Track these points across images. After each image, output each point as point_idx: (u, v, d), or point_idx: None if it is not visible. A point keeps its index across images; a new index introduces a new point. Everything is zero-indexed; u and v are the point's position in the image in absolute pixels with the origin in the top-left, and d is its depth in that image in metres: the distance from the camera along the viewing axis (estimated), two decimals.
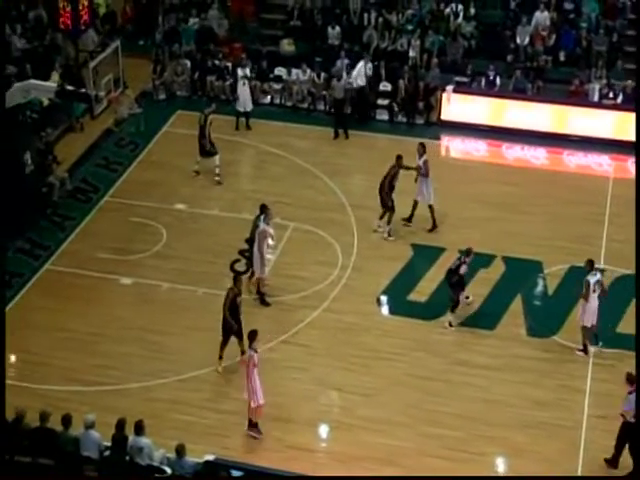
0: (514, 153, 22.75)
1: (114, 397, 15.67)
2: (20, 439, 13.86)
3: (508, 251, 18.95)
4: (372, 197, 20.38)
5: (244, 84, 22.94)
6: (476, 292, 17.90)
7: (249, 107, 23.11)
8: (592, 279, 16.02)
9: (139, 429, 13.76)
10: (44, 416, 13.92)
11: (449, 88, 23.31)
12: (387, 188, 19.09)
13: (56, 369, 16.25)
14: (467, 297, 17.45)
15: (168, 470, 13.71)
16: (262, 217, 17.50)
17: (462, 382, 15.94)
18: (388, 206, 19.25)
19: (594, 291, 16.00)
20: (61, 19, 23.34)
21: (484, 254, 18.58)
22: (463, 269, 16.92)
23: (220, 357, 16.29)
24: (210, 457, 14.26)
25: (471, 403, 15.55)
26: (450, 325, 17.20)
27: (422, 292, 18.08)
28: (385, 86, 24.19)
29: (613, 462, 14.34)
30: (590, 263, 16.22)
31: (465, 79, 23.85)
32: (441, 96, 23.35)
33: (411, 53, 24.55)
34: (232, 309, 16.10)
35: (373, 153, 22.47)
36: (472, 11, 25.07)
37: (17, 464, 13.91)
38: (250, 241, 18.10)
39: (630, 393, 13.89)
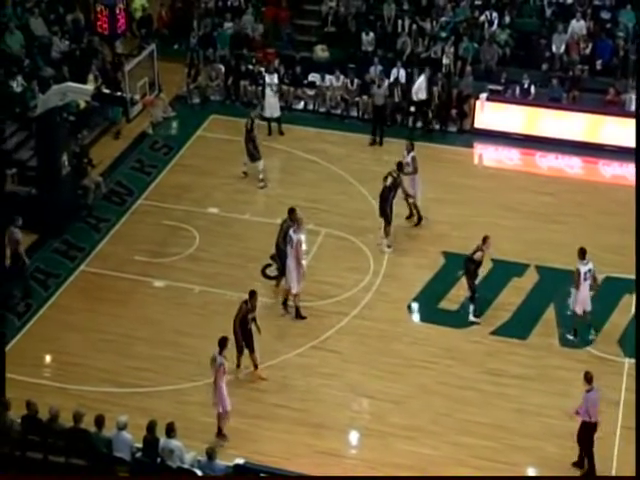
0: (548, 162, 22.65)
1: (147, 399, 15.80)
2: (54, 439, 14.03)
3: (541, 260, 18.86)
4: (404, 204, 20.42)
5: (272, 90, 22.94)
6: (509, 301, 17.88)
7: (277, 113, 23.09)
8: (583, 268, 16.47)
9: (170, 431, 13.85)
10: (78, 416, 14.07)
11: (483, 96, 23.26)
12: (391, 198, 19.07)
13: (90, 370, 16.42)
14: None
15: (199, 472, 13.83)
16: (293, 228, 17.37)
17: (494, 391, 15.89)
18: (387, 215, 19.13)
19: (585, 279, 16.47)
20: (98, 22, 23.55)
21: (517, 263, 18.57)
22: (478, 255, 17.10)
23: (238, 366, 16.33)
24: (240, 461, 14.31)
25: (503, 413, 15.50)
26: (476, 316, 17.34)
27: (453, 300, 18.04)
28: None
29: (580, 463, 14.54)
30: (582, 252, 16.56)
31: (499, 87, 23.77)
32: (475, 104, 23.30)
33: (445, 60, 24.51)
34: (242, 323, 16.09)
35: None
36: (507, 19, 24.99)
37: (51, 464, 14.10)
38: (277, 246, 18.06)
39: (588, 392, 14.17)
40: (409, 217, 20.08)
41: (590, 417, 14.18)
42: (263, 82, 23.28)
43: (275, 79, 23.00)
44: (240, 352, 16.21)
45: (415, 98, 23.31)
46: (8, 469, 14.08)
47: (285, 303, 17.78)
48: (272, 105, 23.01)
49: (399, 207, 19.55)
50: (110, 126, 23.02)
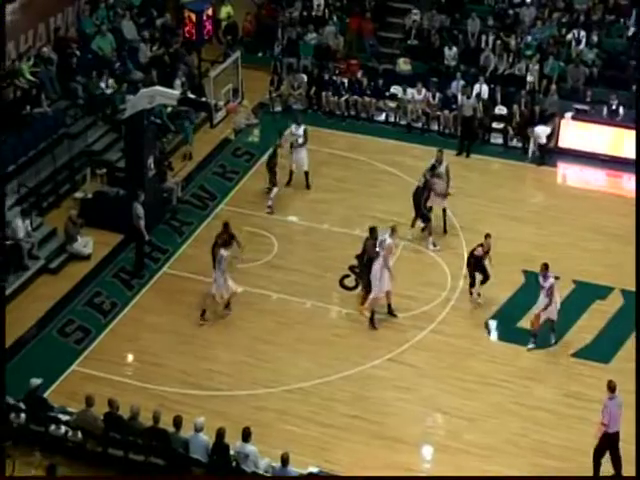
0: (634, 184, 22.28)
1: (224, 403, 15.95)
2: (134, 437, 14.26)
3: (626, 284, 18.50)
4: (483, 221, 20.39)
5: (297, 142, 21.32)
6: (592, 324, 17.65)
7: (306, 167, 21.51)
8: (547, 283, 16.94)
9: (246, 436, 14.00)
10: (157, 416, 14.29)
11: (568, 115, 23.04)
12: (424, 199, 19.50)
13: (170, 371, 16.63)
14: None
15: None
16: (390, 232, 17.74)
17: (574, 415, 15.67)
18: (423, 215, 19.54)
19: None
20: (186, 28, 23.99)
21: (600, 285, 18.32)
22: (478, 251, 17.82)
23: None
24: (314, 469, 14.39)
25: (582, 436, 15.21)
26: (478, 295, 18.22)
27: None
28: (500, 110, 24.02)
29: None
30: (546, 266, 17.02)
31: (585, 107, 23.50)
32: (559, 123, 23.08)
33: (529, 78, 24.31)
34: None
35: (486, 177, 22.37)
36: (595, 38, 24.71)
37: (131, 462, 14.34)
38: (360, 257, 18.20)
39: (610, 399, 14.18)
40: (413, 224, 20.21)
41: (609, 425, 14.14)
42: (289, 134, 21.63)
43: (301, 130, 21.31)
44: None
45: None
46: (91, 465, 14.42)
47: (390, 307, 17.95)
48: (300, 159, 21.43)
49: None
50: (187, 148, 22.95)
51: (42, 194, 20.28)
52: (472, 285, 18.37)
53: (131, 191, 19.10)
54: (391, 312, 17.98)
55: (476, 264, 18.13)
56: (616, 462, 14.45)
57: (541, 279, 17.07)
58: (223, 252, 17.61)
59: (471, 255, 18.21)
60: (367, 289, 17.99)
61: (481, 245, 18.02)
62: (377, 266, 17.54)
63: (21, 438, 14.77)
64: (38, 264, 18.85)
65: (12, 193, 19.59)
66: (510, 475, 14.66)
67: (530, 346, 17.22)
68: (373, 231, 17.95)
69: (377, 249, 17.68)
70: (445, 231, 20.23)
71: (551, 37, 24.89)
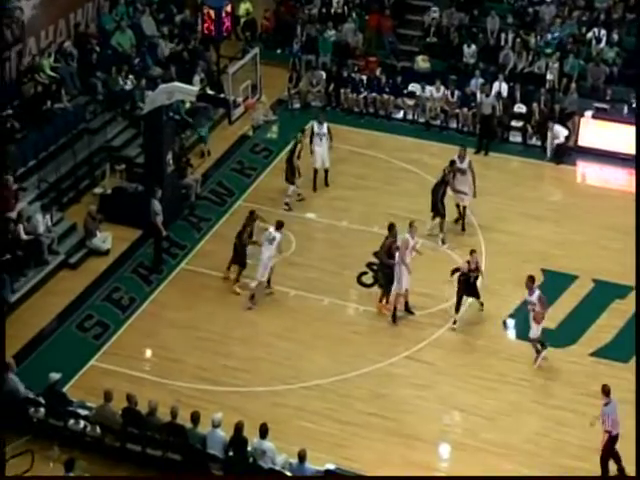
0: None
1: (241, 399, 15.97)
2: (152, 432, 14.29)
3: None
4: (502, 219, 20.41)
5: (321, 140, 21.40)
6: (611, 323, 17.56)
7: (327, 164, 21.58)
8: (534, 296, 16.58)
9: (263, 432, 14.02)
10: (174, 412, 14.31)
11: (588, 114, 22.93)
12: (441, 194, 19.56)
13: (188, 366, 16.68)
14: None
15: (289, 475, 13.92)
16: (409, 229, 17.81)
17: (592, 414, 15.43)
18: (438, 210, 19.62)
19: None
20: (205, 24, 24.00)
21: (619, 285, 18.20)
22: (463, 266, 17.51)
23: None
24: (331, 466, 14.38)
25: (600, 436, 15.11)
26: (454, 322, 17.68)
27: (552, 319, 17.69)
28: (520, 108, 23.92)
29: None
30: (531, 279, 16.68)
31: (605, 105, 23.36)
32: (579, 121, 22.96)
33: (549, 76, 24.21)
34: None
35: (505, 175, 22.31)
36: (615, 37, 24.57)
37: (148, 457, 14.37)
38: (378, 254, 18.18)
39: (606, 405, 14.18)
40: (457, 220, 20.27)
41: (612, 430, 14.12)
42: (312, 132, 21.54)
43: (324, 128, 21.41)
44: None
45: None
46: (108, 459, 14.46)
47: (407, 305, 17.92)
48: (322, 156, 21.45)
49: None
50: (202, 146, 22.89)
51: (62, 189, 20.37)
52: (457, 309, 17.65)
53: (149, 187, 19.13)
54: (408, 309, 17.94)
55: (466, 284, 17.52)
56: (618, 460, 14.50)
57: (527, 294, 16.64)
58: (276, 234, 17.85)
59: (456, 270, 17.71)
60: (385, 287, 17.96)
61: (467, 262, 17.57)
62: (396, 263, 17.52)
63: (40, 432, 14.87)
64: (58, 259, 18.94)
65: (33, 188, 19.72)
66: (529, 475, 14.62)
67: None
68: (392, 228, 17.93)
69: (396, 245, 17.66)
70: (463, 229, 20.19)
71: (571, 35, 24.79)
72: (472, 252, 17.75)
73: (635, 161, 20.57)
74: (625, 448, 14.32)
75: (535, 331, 16.72)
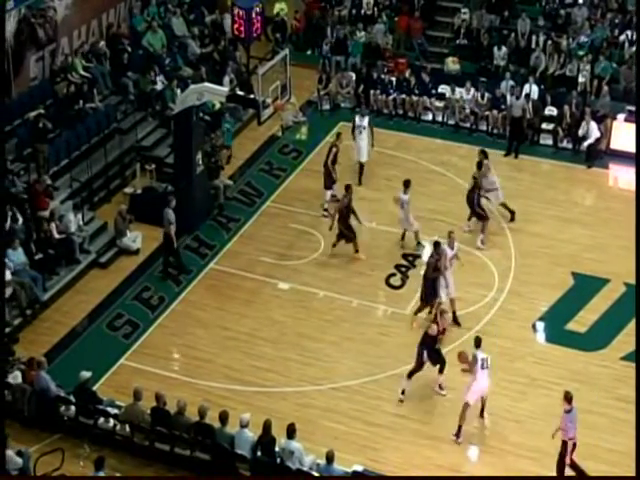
0: None
1: (270, 399, 16.00)
2: (181, 432, 14.35)
3: None
4: (532, 221, 20.29)
5: (360, 133, 21.50)
6: None
7: (364, 158, 21.65)
8: (480, 355, 15.36)
9: (291, 433, 14.02)
10: (203, 411, 14.36)
11: (620, 117, 22.74)
12: (477, 200, 19.54)
13: (216, 366, 16.72)
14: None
15: (317, 475, 13.92)
16: (447, 241, 17.77)
17: (624, 419, 15.46)
18: (478, 215, 19.63)
19: (482, 367, 15.27)
20: (235, 25, 24.03)
21: None
22: (432, 330, 15.95)
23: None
24: (359, 468, 14.37)
25: (631, 440, 14.96)
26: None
27: (582, 322, 17.68)
28: (551, 110, 23.78)
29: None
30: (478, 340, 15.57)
31: None
32: (611, 124, 22.79)
33: (580, 79, 24.07)
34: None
35: (536, 177, 22.21)
36: None
37: (177, 456, 14.43)
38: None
39: (567, 412, 14.17)
40: (470, 218, 20.17)
41: (571, 437, 14.14)
42: (353, 125, 21.77)
43: (365, 122, 21.54)
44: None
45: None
46: (137, 458, 14.53)
47: (454, 315, 17.67)
48: (361, 149, 21.57)
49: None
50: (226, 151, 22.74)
51: (94, 189, 20.51)
52: (412, 373, 16.02)
53: (179, 187, 19.14)
54: (456, 320, 17.67)
55: (429, 347, 15.91)
56: (563, 467, 14.53)
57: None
58: (403, 196, 19.12)
59: (425, 335, 16.04)
60: (426, 300, 17.71)
61: (436, 322, 16.41)
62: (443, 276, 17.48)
63: (71, 430, 14.98)
64: (89, 258, 19.07)
65: (65, 187, 19.87)
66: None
67: None
68: (437, 246, 17.63)
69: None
70: (512, 219, 20.32)
71: (604, 38, 24.61)
72: (442, 312, 16.83)
73: (635, 161, 20.36)
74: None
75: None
